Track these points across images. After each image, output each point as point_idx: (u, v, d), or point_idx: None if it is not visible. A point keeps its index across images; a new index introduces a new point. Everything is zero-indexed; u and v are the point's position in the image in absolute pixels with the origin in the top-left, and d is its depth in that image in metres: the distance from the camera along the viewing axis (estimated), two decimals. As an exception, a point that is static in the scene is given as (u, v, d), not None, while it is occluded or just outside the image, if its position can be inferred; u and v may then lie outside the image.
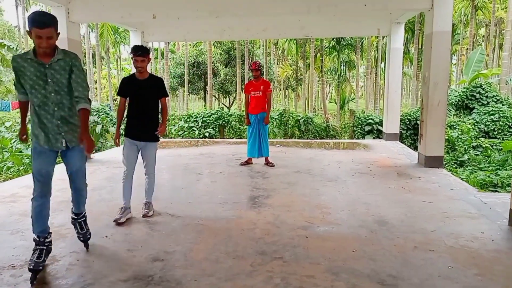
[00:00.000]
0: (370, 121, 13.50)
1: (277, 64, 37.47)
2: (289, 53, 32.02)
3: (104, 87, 36.57)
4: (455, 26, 28.82)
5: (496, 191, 8.05)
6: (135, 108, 4.07)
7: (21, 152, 9.84)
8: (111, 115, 16.18)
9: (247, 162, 7.14)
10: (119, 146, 4.79)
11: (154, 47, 33.73)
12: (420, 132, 7.09)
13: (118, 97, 4.17)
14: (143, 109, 4.09)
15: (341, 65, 30.18)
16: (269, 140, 7.19)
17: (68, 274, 2.91)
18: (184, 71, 25.62)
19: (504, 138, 13.21)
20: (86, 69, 25.09)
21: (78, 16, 7.32)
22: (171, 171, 6.76)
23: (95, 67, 29.95)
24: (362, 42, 27.24)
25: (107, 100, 32.91)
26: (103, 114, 14.64)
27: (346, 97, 29.56)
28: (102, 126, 12.23)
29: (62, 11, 7.17)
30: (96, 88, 29.85)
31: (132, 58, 3.97)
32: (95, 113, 13.96)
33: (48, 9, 21.23)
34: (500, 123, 13.66)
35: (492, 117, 13.84)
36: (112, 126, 12.96)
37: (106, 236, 3.65)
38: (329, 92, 45.91)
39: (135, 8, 7.38)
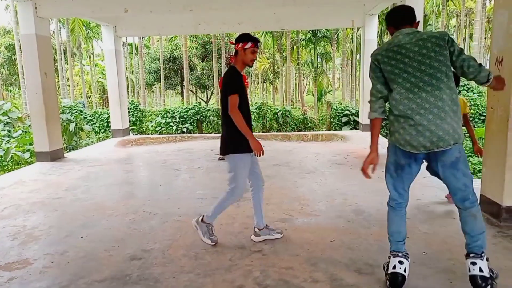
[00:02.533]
0: (346, 112, 13.67)
1: (254, 57, 37.22)
2: (265, 46, 31.96)
3: (78, 84, 35.64)
4: (427, 16, 29.44)
5: (468, 177, 8.30)
6: (246, 110, 3.34)
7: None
8: (85, 113, 15.81)
9: (226, 157, 7.11)
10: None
11: (128, 42, 33.10)
12: (394, 122, 7.21)
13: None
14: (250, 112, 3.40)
15: (317, 57, 30.43)
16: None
17: (42, 277, 2.83)
18: (159, 66, 25.24)
19: (475, 126, 13.64)
20: (57, 66, 24.37)
21: (47, 11, 7.08)
22: (149, 167, 6.67)
23: (67, 64, 29.08)
24: (337, 34, 27.45)
25: (81, 97, 32.12)
26: (76, 112, 14.28)
27: (323, 89, 29.82)
28: (76, 124, 11.96)
29: (29, 6, 6.93)
30: (68, 86, 29.02)
31: (246, 48, 3.17)
32: (68, 111, 13.61)
33: (14, 4, 20.44)
34: (471, 111, 14.08)
35: (463, 105, 14.22)
36: (86, 124, 12.65)
37: (82, 237, 3.57)
38: (306, 84, 46.21)
39: (106, 2, 7.19)
